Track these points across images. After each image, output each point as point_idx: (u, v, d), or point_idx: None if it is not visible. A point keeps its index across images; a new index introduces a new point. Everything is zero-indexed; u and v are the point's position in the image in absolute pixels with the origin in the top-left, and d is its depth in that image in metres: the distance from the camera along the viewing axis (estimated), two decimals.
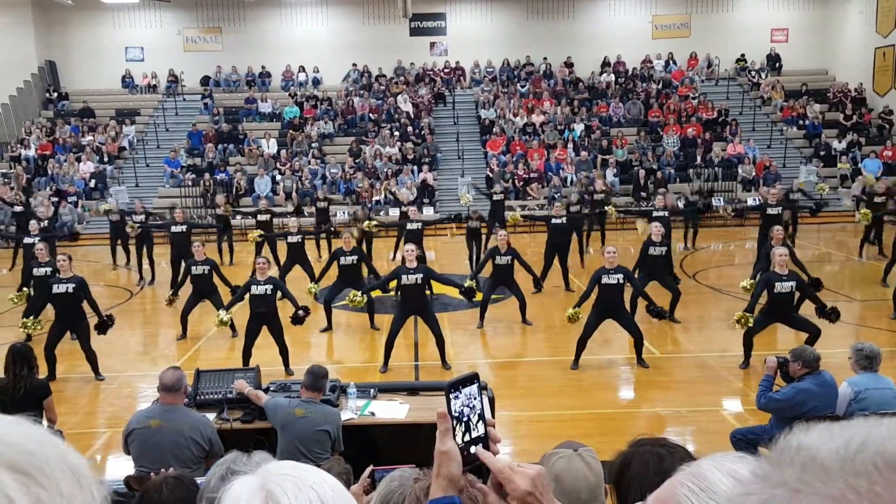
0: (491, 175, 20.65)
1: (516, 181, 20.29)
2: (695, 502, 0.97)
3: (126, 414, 6.37)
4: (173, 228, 12.56)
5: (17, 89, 23.60)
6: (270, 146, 21.91)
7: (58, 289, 8.41)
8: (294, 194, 20.04)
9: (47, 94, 24.49)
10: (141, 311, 12.57)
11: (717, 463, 1.00)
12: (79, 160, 21.21)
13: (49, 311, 9.05)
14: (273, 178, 20.72)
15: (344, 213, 18.02)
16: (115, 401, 8.08)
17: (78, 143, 22.15)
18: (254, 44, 24.75)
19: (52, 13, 24.33)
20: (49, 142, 22.15)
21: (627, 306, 8.90)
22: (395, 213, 18.95)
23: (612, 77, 24.48)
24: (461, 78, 24.99)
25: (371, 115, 23.22)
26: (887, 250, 13.79)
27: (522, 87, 24.23)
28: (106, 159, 21.86)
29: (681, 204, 15.80)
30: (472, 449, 1.24)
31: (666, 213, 13.01)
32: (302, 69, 24.87)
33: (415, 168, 20.92)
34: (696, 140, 21.75)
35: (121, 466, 5.88)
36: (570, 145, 21.53)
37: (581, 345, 8.46)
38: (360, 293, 9.03)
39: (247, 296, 8.49)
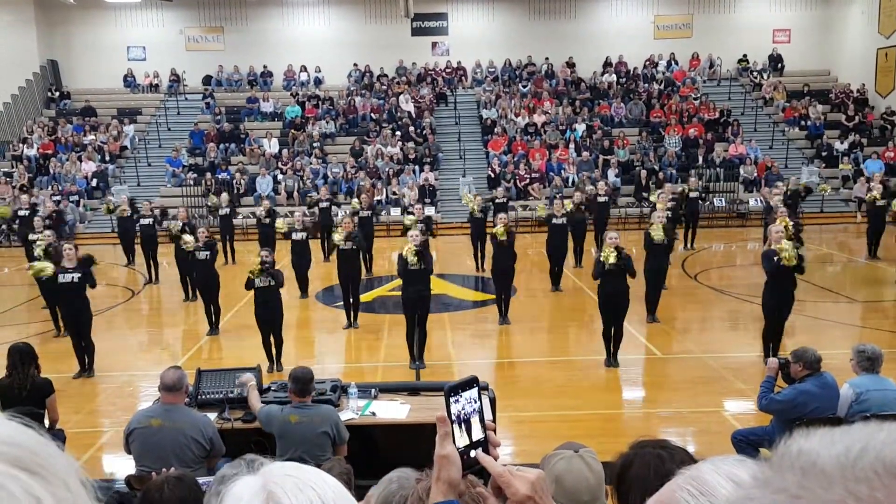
0: (492, 175, 20.66)
1: (518, 181, 20.28)
2: None
3: (127, 413, 6.38)
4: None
5: (20, 88, 23.63)
6: (272, 146, 21.92)
7: (63, 279, 8.45)
8: (296, 194, 20.08)
9: (49, 94, 24.51)
10: (142, 310, 12.59)
11: (717, 466, 1.00)
12: (80, 159, 21.23)
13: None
14: (275, 177, 20.74)
15: (346, 212, 18.01)
16: (117, 400, 8.09)
17: (80, 142, 22.16)
18: (255, 43, 24.76)
19: (55, 12, 24.35)
20: (51, 141, 22.17)
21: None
22: (395, 212, 18.99)
23: (614, 77, 24.48)
24: (463, 78, 24.99)
25: (373, 114, 23.23)
26: (884, 252, 13.81)
27: (524, 87, 24.23)
28: (107, 158, 21.88)
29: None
30: (472, 453, 1.24)
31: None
32: (304, 69, 24.88)
33: (416, 168, 20.92)
34: (698, 140, 21.75)
35: (122, 466, 5.90)
36: (572, 145, 21.53)
37: (606, 339, 8.54)
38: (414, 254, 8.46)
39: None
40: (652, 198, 14.47)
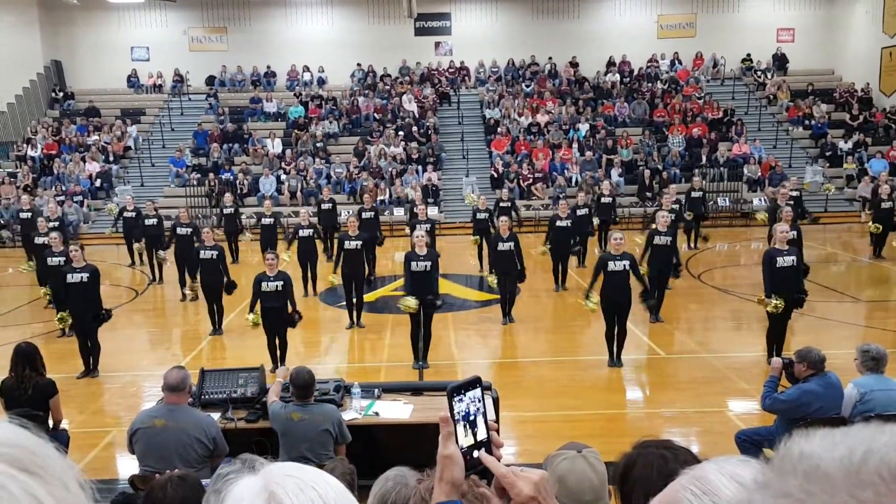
0: (496, 175, 20.65)
1: (521, 181, 20.27)
2: None
3: (131, 413, 6.39)
4: (178, 230, 12.59)
5: (24, 89, 23.69)
6: (275, 146, 21.95)
7: (72, 278, 8.53)
8: (299, 194, 20.09)
9: (53, 94, 24.57)
10: (146, 310, 12.60)
11: (721, 466, 1.00)
12: (84, 160, 21.28)
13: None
14: (278, 177, 20.75)
15: (349, 212, 18.01)
16: (120, 400, 8.10)
17: (83, 142, 22.21)
18: (259, 43, 24.79)
19: (58, 13, 24.40)
20: (55, 141, 22.22)
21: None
22: (399, 212, 18.99)
23: (618, 77, 24.45)
24: (466, 78, 24.99)
25: (376, 114, 23.24)
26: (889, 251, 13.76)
27: (527, 86, 24.22)
28: (111, 159, 21.92)
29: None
30: (475, 453, 1.24)
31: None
32: (307, 69, 24.90)
33: (419, 168, 20.92)
34: (702, 140, 21.71)
35: (127, 466, 5.91)
36: (575, 145, 21.51)
37: (609, 340, 8.51)
38: (412, 301, 8.43)
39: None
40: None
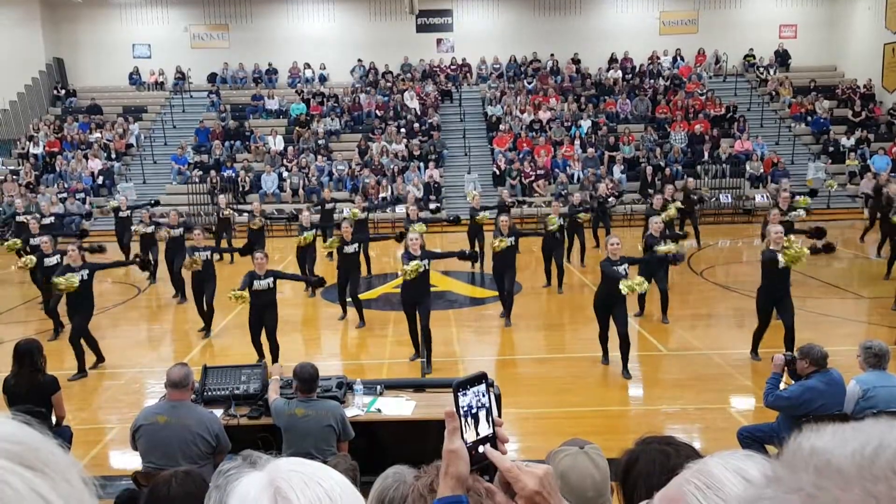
0: (497, 172, 20.64)
1: (523, 178, 20.26)
2: (702, 500, 0.96)
3: (133, 410, 6.40)
4: (171, 232, 12.55)
5: (25, 86, 23.70)
6: (277, 143, 21.95)
7: (73, 277, 8.45)
8: (301, 191, 20.09)
9: (55, 91, 24.58)
10: (148, 307, 12.62)
11: (725, 461, 1.00)
12: (86, 157, 21.30)
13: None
14: (280, 174, 20.77)
15: (346, 214, 17.99)
16: (123, 397, 8.11)
17: (85, 140, 22.23)
18: (261, 41, 24.78)
19: (60, 10, 24.41)
20: (57, 139, 22.23)
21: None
22: (401, 210, 18.98)
23: (620, 73, 24.42)
24: (468, 74, 24.96)
25: (377, 111, 23.23)
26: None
27: (529, 83, 24.19)
28: (113, 156, 21.94)
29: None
30: (480, 448, 1.25)
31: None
32: (308, 66, 24.89)
33: (421, 165, 20.92)
34: (704, 136, 21.68)
35: (129, 462, 5.92)
36: (577, 142, 21.49)
37: (603, 341, 8.43)
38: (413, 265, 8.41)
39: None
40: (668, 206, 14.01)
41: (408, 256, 8.48)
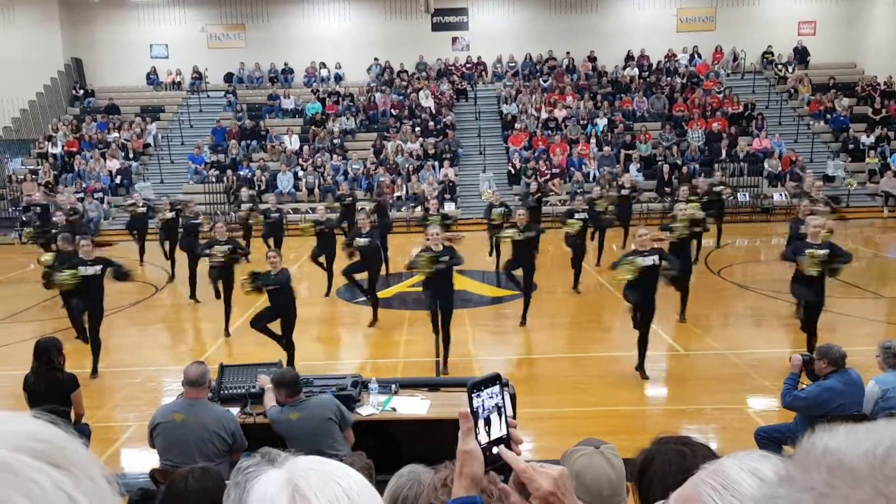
0: (513, 171, 20.61)
1: (538, 177, 20.21)
2: (717, 501, 0.96)
3: (150, 408, 6.46)
4: (191, 221, 12.67)
5: (44, 86, 23.94)
6: (293, 142, 22.04)
7: (86, 271, 8.43)
8: (317, 190, 20.17)
9: (73, 92, 24.81)
10: (166, 306, 12.71)
11: (741, 461, 1.00)
12: (104, 157, 21.49)
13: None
14: (295, 174, 20.85)
15: (365, 208, 18.04)
16: (140, 395, 8.18)
17: (103, 139, 22.43)
18: (277, 40, 24.88)
19: (78, 11, 24.64)
20: (75, 139, 22.46)
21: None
22: (418, 209, 18.99)
23: (636, 71, 24.28)
24: (483, 73, 24.93)
25: (392, 110, 23.26)
26: None
27: (545, 81, 24.12)
28: (131, 156, 22.12)
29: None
30: (495, 449, 1.25)
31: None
32: (323, 65, 24.96)
33: (436, 164, 20.93)
34: (722, 134, 21.52)
35: (146, 460, 5.97)
36: (593, 140, 21.40)
37: (643, 344, 8.08)
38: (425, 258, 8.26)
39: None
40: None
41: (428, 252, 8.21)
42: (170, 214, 13.83)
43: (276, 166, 21.15)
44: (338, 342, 10.20)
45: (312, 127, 22.63)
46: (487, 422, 1.25)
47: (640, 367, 8.11)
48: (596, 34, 24.62)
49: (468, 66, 24.95)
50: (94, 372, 8.60)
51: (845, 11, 24.66)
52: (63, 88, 24.62)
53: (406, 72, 24.73)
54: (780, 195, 18.97)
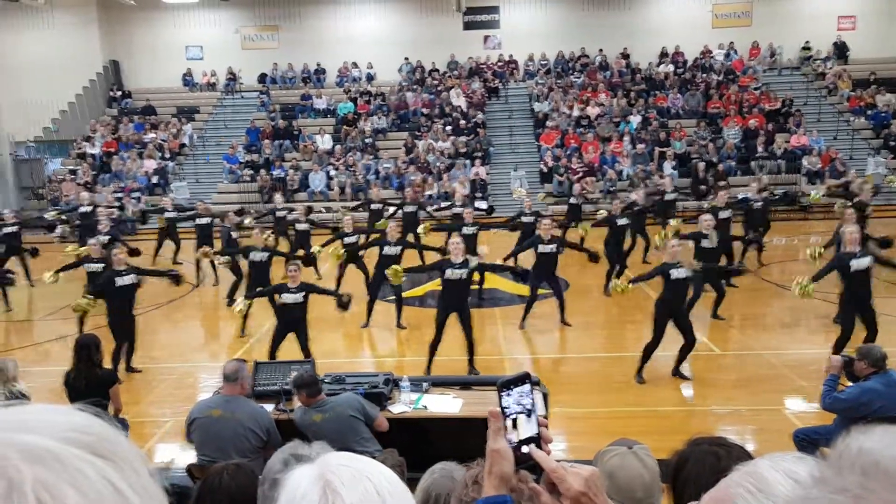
0: (545, 169, 20.51)
1: (570, 175, 20.09)
2: (751, 503, 0.95)
3: (187, 404, 6.56)
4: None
5: (83, 88, 24.45)
6: (325, 142, 22.20)
7: (122, 281, 8.44)
8: (348, 189, 20.28)
9: (111, 93, 25.29)
10: (202, 304, 12.89)
11: (775, 463, 0.98)
12: (141, 157, 21.88)
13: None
14: (327, 173, 21.00)
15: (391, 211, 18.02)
16: (176, 391, 8.31)
17: (140, 140, 22.84)
18: (310, 41, 25.08)
19: (116, 13, 25.09)
20: (113, 139, 22.89)
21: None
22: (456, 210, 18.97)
23: (671, 68, 23.99)
24: (514, 71, 24.85)
25: (424, 109, 23.30)
26: None
27: (577, 79, 23.95)
28: (167, 156, 22.49)
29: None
30: (525, 448, 1.24)
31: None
32: (355, 65, 25.10)
33: (468, 162, 20.91)
34: (759, 131, 21.16)
35: (181, 455, 6.07)
36: (627, 138, 21.20)
37: (647, 353, 7.91)
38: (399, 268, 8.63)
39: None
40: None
41: (446, 264, 8.06)
42: (205, 220, 13.64)
43: (308, 166, 21.32)
44: (366, 340, 10.24)
45: (344, 126, 22.78)
46: (517, 420, 1.25)
47: (676, 371, 8.01)
48: (629, 31, 24.38)
49: (500, 64, 24.89)
50: (129, 368, 8.72)
51: (886, 5, 24.08)
52: (101, 90, 25.11)
53: (437, 70, 24.75)
54: (817, 192, 18.55)
